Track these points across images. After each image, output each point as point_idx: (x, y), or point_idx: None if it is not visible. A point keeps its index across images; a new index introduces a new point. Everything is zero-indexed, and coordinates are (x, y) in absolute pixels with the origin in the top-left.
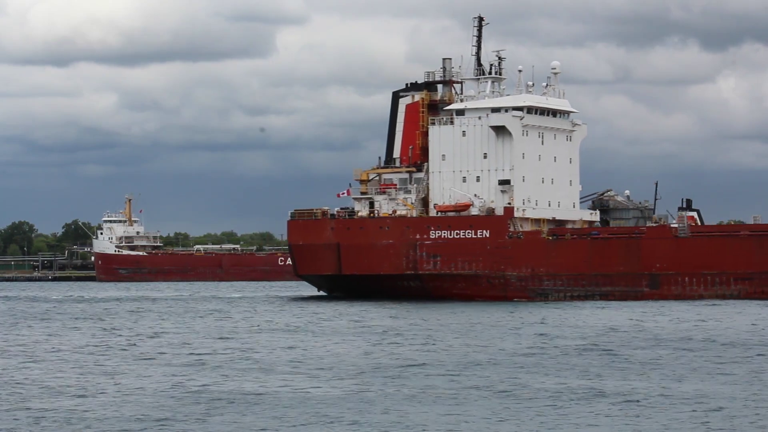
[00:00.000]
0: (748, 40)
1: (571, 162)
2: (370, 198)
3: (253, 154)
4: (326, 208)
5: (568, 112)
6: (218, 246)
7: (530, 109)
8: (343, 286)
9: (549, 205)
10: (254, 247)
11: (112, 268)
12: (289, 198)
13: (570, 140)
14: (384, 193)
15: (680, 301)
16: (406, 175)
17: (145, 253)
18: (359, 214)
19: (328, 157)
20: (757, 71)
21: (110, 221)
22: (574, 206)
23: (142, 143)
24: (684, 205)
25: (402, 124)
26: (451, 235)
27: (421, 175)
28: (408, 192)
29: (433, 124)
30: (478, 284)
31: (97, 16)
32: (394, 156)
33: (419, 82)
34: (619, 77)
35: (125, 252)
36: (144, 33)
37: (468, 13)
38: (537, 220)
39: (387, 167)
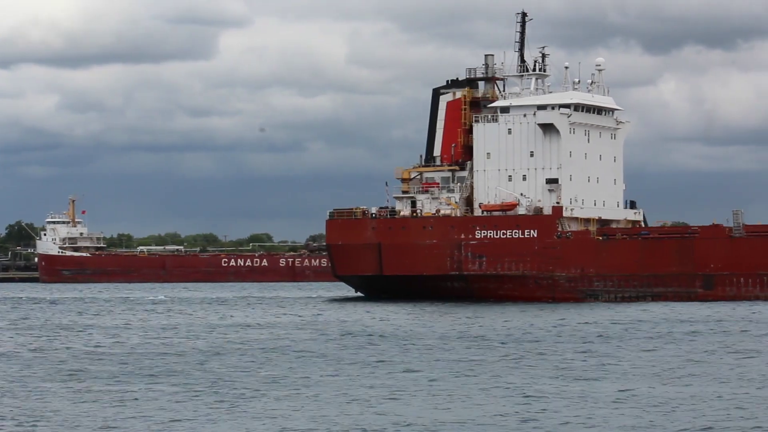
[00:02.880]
0: (689, 42)
1: (615, 160)
2: (412, 197)
3: (197, 155)
4: (364, 207)
5: (612, 110)
6: (161, 247)
7: (577, 107)
8: (384, 287)
9: (594, 204)
10: (198, 249)
11: (56, 269)
12: (233, 199)
13: (614, 138)
14: (426, 192)
15: (735, 302)
16: (449, 174)
17: (88, 255)
18: (401, 213)
19: (271, 158)
20: (698, 74)
21: (54, 222)
22: (618, 206)
23: (86, 144)
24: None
25: (443, 121)
26: (497, 234)
27: (464, 173)
28: (451, 191)
29: (477, 121)
30: (525, 285)
31: (39, 17)
32: (435, 154)
33: (460, 78)
34: (559, 80)
35: (69, 253)
36: (86, 34)
37: (406, 16)
38: (584, 220)
39: (428, 165)
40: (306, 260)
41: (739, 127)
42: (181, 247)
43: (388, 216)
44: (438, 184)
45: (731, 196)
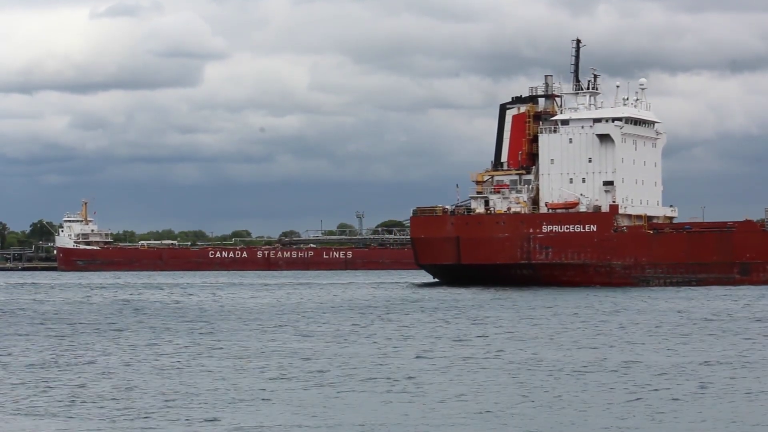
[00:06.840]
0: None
1: (656, 165)
2: (485, 197)
3: (186, 165)
4: (443, 205)
5: (654, 123)
6: (159, 242)
7: (628, 120)
8: (462, 274)
9: (641, 203)
10: (189, 243)
11: (72, 260)
12: (217, 202)
13: (655, 146)
14: (498, 192)
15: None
16: (516, 177)
17: (98, 248)
18: (476, 210)
19: (247, 168)
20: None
21: (70, 221)
22: (658, 204)
23: (95, 156)
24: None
25: (509, 132)
26: (561, 229)
27: (530, 176)
28: (519, 191)
29: (542, 132)
30: (585, 272)
31: (54, 50)
32: (502, 160)
33: (523, 96)
34: (487, 103)
35: (82, 246)
36: (93, 65)
37: (358, 51)
38: (634, 216)
39: (498, 170)
40: (279, 252)
41: None
42: (175, 242)
43: (465, 213)
44: (507, 185)
45: None
